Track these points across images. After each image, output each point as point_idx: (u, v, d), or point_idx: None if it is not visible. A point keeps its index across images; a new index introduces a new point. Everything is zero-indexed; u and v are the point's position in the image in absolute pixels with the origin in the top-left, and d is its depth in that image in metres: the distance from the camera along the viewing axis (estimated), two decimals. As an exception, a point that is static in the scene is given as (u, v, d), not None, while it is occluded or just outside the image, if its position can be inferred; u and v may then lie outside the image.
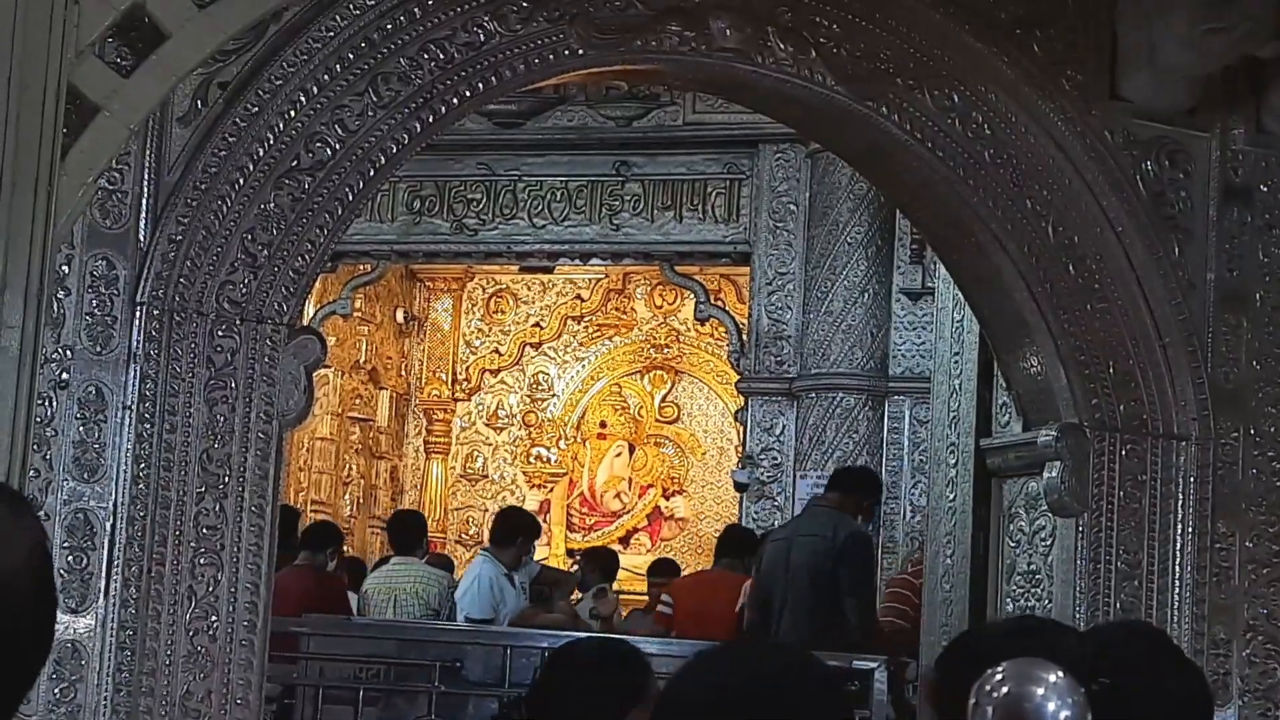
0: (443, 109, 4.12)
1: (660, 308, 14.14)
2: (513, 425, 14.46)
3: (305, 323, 8.78)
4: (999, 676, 2.02)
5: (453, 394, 14.43)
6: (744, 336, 10.65)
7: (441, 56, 4.09)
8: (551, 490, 14.23)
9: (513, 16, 4.14)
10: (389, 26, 4.04)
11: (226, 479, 3.89)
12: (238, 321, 3.92)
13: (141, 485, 3.78)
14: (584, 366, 14.46)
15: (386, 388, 14.07)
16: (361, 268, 11.79)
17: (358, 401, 13.67)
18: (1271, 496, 4.75)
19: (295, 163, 3.96)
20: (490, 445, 14.54)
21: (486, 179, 11.06)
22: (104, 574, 3.74)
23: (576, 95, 10.35)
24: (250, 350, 3.94)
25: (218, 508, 3.88)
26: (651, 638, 6.72)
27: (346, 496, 13.51)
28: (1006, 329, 4.85)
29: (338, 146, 4.00)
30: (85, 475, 3.74)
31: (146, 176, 3.82)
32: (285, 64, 3.94)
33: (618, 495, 14.20)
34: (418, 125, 4.09)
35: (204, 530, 3.87)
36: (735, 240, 10.60)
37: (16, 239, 3.43)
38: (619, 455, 14.23)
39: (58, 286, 3.69)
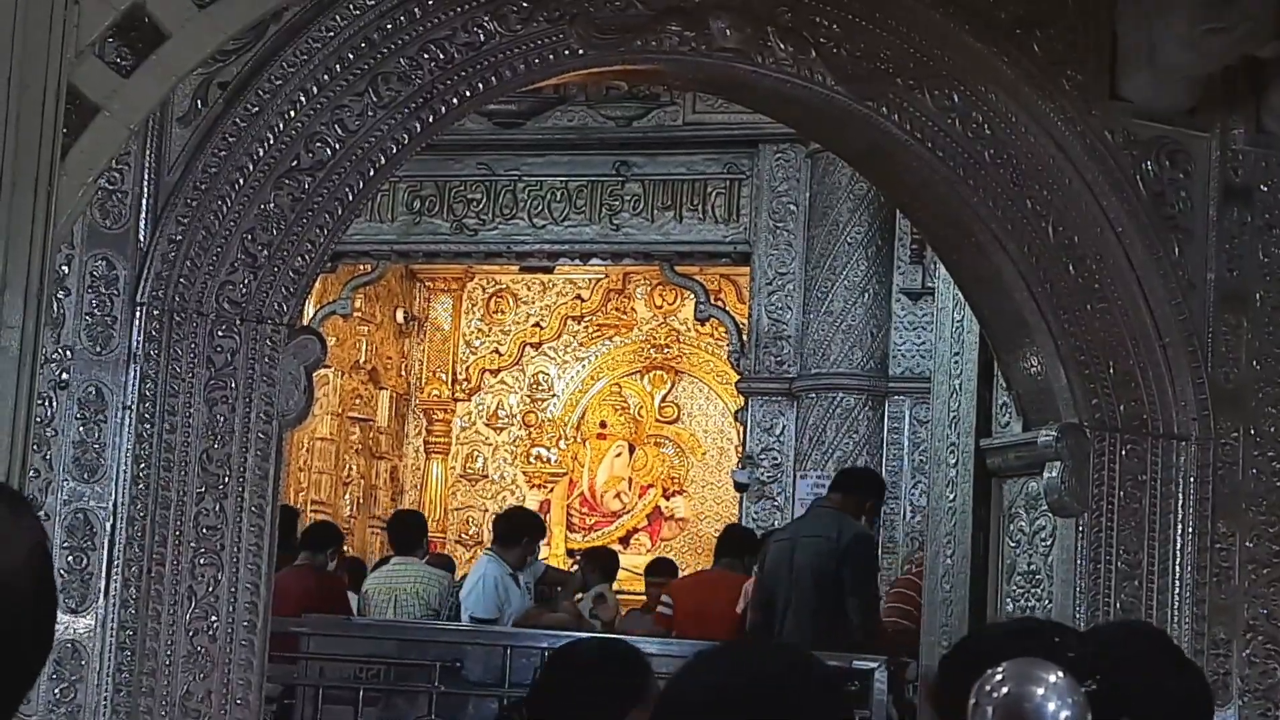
0: (443, 109, 4.12)
1: (660, 308, 14.14)
2: (513, 425, 14.46)
3: (305, 323, 8.78)
4: (999, 677, 2.02)
5: (453, 394, 14.43)
6: (744, 336, 10.64)
7: (441, 56, 4.09)
8: (551, 490, 14.22)
9: (513, 16, 4.14)
10: (389, 26, 4.04)
11: (226, 479, 3.89)
12: (238, 321, 3.92)
13: (141, 485, 3.78)
14: (584, 366, 14.45)
15: (386, 388, 14.07)
16: (361, 268, 11.79)
17: (358, 401, 13.67)
18: (1271, 496, 4.74)
19: (295, 163, 3.96)
20: (490, 445, 14.53)
21: (486, 179, 11.05)
22: (104, 574, 3.74)
23: (576, 95, 10.34)
24: (250, 350, 3.93)
25: (218, 508, 3.88)
26: (651, 638, 6.72)
27: (346, 496, 13.51)
28: (1006, 329, 4.85)
29: (338, 146, 4.00)
30: (85, 475, 3.74)
31: (146, 176, 3.82)
32: (285, 64, 3.94)
33: (618, 495, 14.19)
34: (418, 125, 4.09)
35: (204, 530, 3.86)
36: (735, 240, 10.60)
37: (16, 239, 3.43)
38: (619, 455, 14.23)
39: (58, 286, 3.69)
